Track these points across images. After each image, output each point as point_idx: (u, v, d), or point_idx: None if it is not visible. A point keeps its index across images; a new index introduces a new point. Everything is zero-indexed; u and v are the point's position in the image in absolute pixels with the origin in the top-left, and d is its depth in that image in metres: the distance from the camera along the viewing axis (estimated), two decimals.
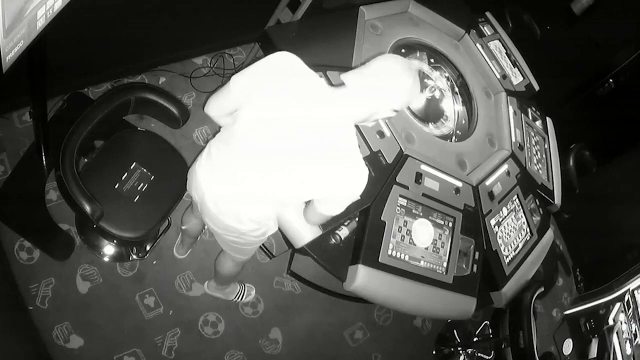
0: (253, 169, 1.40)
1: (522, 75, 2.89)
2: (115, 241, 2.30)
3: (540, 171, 2.56)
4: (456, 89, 2.54)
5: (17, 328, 2.05)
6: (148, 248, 2.39)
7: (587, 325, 3.10)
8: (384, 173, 1.90)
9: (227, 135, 1.48)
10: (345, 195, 1.39)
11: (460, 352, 2.91)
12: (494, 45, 2.87)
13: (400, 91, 1.33)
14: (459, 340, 2.97)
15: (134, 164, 2.02)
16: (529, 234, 2.30)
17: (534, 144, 2.62)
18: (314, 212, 1.49)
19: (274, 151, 1.35)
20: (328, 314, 2.72)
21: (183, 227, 2.24)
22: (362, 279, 1.69)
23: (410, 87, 1.33)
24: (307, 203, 1.56)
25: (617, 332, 2.82)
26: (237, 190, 1.47)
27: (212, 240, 2.58)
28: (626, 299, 2.93)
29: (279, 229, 1.74)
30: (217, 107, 1.49)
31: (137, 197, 1.98)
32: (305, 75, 1.37)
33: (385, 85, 1.32)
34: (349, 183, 1.35)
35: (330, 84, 1.97)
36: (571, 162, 2.87)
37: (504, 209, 2.24)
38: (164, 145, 2.17)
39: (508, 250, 2.17)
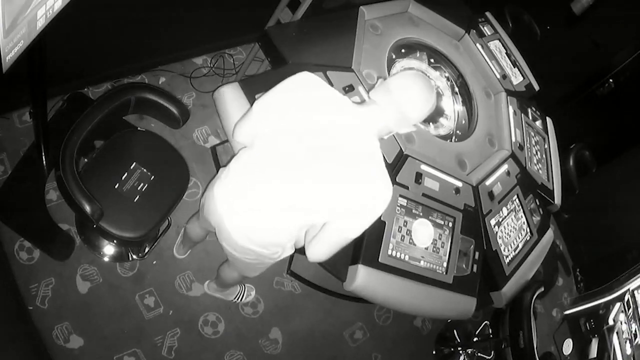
0: (276, 190, 1.38)
1: (522, 75, 2.89)
2: (115, 241, 2.30)
3: (540, 171, 2.56)
4: (456, 89, 2.55)
5: (17, 328, 2.05)
6: (148, 248, 2.39)
7: (587, 325, 3.10)
8: None
9: (247, 158, 1.46)
10: (367, 213, 1.34)
11: (460, 352, 2.91)
12: (494, 45, 2.87)
13: (420, 107, 1.37)
14: (459, 340, 2.97)
15: (134, 164, 2.02)
16: (529, 234, 2.30)
17: (534, 144, 2.62)
18: (331, 236, 1.40)
19: (297, 168, 1.34)
20: (328, 314, 2.72)
21: (187, 234, 2.23)
22: (362, 279, 1.69)
23: (429, 104, 1.38)
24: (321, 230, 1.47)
25: (617, 332, 2.83)
26: (260, 216, 1.44)
27: (212, 241, 2.58)
28: (626, 299, 2.93)
29: None
30: (245, 133, 1.48)
31: (137, 197, 1.98)
32: (326, 90, 1.39)
33: (405, 101, 1.35)
34: (370, 200, 1.32)
35: (331, 83, 1.97)
36: (571, 162, 2.87)
37: (504, 209, 2.24)
38: (164, 145, 2.17)
39: (508, 250, 2.17)
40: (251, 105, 1.77)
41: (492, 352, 2.90)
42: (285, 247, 1.56)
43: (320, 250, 1.43)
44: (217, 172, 2.41)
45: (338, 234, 1.38)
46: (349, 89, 2.00)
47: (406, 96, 1.35)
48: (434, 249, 1.89)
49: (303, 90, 1.38)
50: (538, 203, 2.42)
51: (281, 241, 1.52)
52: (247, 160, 1.46)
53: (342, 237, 1.40)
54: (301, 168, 1.33)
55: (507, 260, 2.14)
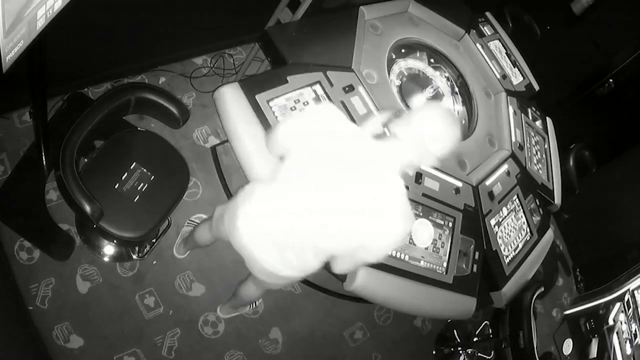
0: (301, 217, 1.41)
1: (522, 75, 2.89)
2: (115, 241, 2.29)
3: (540, 171, 2.57)
4: (456, 89, 2.55)
5: (17, 329, 2.05)
6: (148, 248, 2.39)
7: (587, 325, 3.10)
8: None
9: (271, 191, 1.48)
10: (382, 245, 1.41)
11: (460, 352, 2.91)
12: (494, 45, 2.87)
13: (443, 142, 1.38)
14: (459, 340, 2.97)
15: (134, 164, 2.02)
16: (529, 234, 2.30)
17: (534, 144, 2.62)
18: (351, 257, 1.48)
19: (320, 198, 1.37)
20: (328, 314, 2.72)
21: (193, 237, 2.21)
22: (362, 279, 1.69)
23: (453, 138, 1.40)
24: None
25: (617, 332, 2.83)
26: (289, 242, 1.48)
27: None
28: (626, 299, 2.93)
29: None
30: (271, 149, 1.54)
31: (137, 197, 1.98)
32: (349, 126, 1.41)
33: (428, 136, 1.36)
34: (385, 233, 1.37)
35: (331, 83, 1.97)
36: (571, 162, 2.87)
37: (504, 209, 2.24)
38: (164, 145, 2.17)
39: (508, 250, 2.17)
40: (251, 105, 1.79)
41: (492, 352, 2.90)
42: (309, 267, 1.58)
43: (345, 267, 1.55)
44: (220, 175, 2.38)
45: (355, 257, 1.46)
46: (349, 89, 2.00)
47: (429, 131, 1.36)
48: (434, 249, 1.89)
49: (327, 124, 1.40)
50: (538, 203, 2.42)
51: (306, 263, 1.54)
52: (271, 193, 1.48)
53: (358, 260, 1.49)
54: (324, 200, 1.37)
55: (507, 260, 2.14)
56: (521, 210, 2.31)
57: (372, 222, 1.35)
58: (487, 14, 3.05)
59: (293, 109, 1.86)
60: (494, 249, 2.10)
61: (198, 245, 2.29)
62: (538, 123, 2.77)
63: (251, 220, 1.51)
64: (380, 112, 1.55)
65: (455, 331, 2.99)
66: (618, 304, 2.96)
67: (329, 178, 1.37)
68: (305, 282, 2.45)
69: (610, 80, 3.41)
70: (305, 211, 1.40)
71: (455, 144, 1.41)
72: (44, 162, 2.24)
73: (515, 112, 2.59)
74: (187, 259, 2.50)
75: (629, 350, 2.78)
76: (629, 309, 2.89)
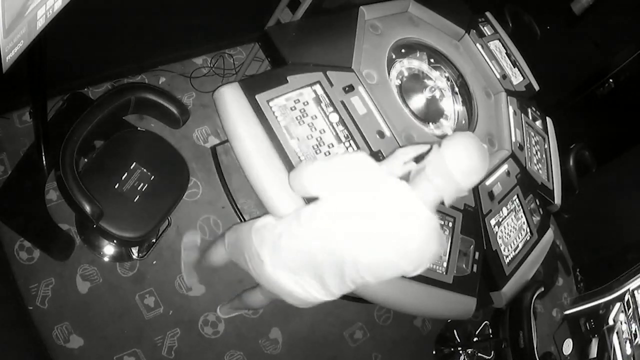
0: (327, 263, 1.42)
1: (522, 75, 2.89)
2: (115, 241, 2.29)
3: (540, 171, 2.56)
4: (456, 89, 2.54)
5: (17, 328, 2.05)
6: (148, 248, 2.39)
7: (587, 325, 3.10)
8: None
9: (299, 241, 1.47)
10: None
11: (460, 352, 2.91)
12: (494, 45, 2.87)
13: (475, 177, 1.35)
14: (459, 340, 2.97)
15: (134, 164, 2.02)
16: (529, 234, 2.30)
17: (534, 144, 2.62)
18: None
19: (346, 245, 1.37)
20: (328, 314, 2.72)
21: (207, 259, 2.16)
22: None
23: (484, 170, 1.36)
24: None
25: (617, 332, 2.83)
26: (318, 279, 1.48)
27: (212, 241, 2.58)
28: (626, 299, 2.93)
29: None
30: (299, 191, 1.53)
31: (137, 197, 1.98)
32: (376, 169, 1.39)
33: (460, 173, 1.33)
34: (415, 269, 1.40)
35: (331, 83, 1.97)
36: (571, 162, 2.87)
37: (504, 209, 2.24)
38: (164, 145, 2.17)
39: (508, 250, 2.17)
40: (251, 105, 1.78)
41: (492, 352, 2.90)
42: None
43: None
44: (220, 175, 2.36)
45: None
46: (349, 89, 2.00)
47: (461, 168, 1.32)
48: None
49: (359, 172, 1.38)
50: (538, 203, 2.42)
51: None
52: (299, 243, 1.46)
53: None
54: (354, 248, 1.36)
55: (507, 260, 2.14)
56: (521, 210, 2.31)
57: (404, 260, 1.37)
58: (487, 14, 3.05)
59: (293, 108, 1.86)
60: (494, 249, 2.10)
61: (211, 266, 2.26)
62: (538, 123, 2.77)
63: (282, 264, 1.50)
64: (406, 146, 1.51)
65: (455, 331, 2.99)
66: (618, 304, 2.97)
67: (359, 220, 1.35)
68: None
69: (610, 80, 3.41)
70: (338, 249, 1.38)
71: (485, 171, 1.37)
72: (44, 162, 2.24)
73: (515, 112, 2.59)
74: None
75: (629, 350, 2.78)
76: (629, 309, 2.89)
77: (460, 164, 1.32)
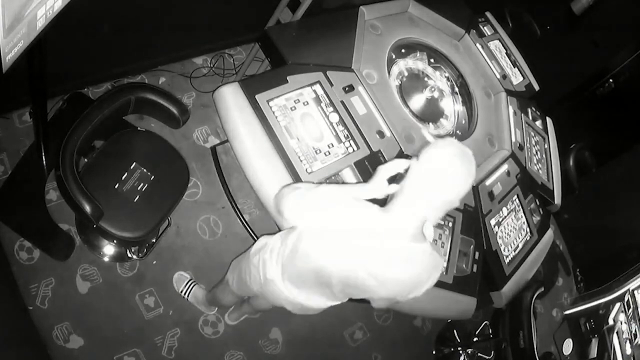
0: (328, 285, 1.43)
1: (522, 75, 2.89)
2: (115, 241, 2.30)
3: (540, 171, 2.56)
4: (456, 89, 2.54)
5: (17, 328, 2.05)
6: (148, 248, 2.39)
7: (587, 325, 3.10)
8: None
9: (299, 267, 1.46)
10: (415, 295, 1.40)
11: (460, 352, 2.91)
12: (494, 45, 2.86)
13: (458, 187, 1.21)
14: (459, 340, 2.97)
15: (134, 164, 2.02)
16: (529, 234, 2.30)
17: (534, 144, 2.62)
18: None
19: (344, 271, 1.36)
20: (328, 314, 2.70)
21: (220, 301, 2.18)
22: None
23: (468, 179, 1.22)
24: None
25: (617, 332, 2.82)
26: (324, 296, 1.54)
27: (212, 240, 2.59)
28: (626, 299, 2.93)
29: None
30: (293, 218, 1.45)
31: (137, 197, 1.98)
32: (358, 205, 1.32)
33: (440, 188, 1.20)
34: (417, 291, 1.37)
35: (331, 83, 1.97)
36: (571, 162, 2.87)
37: (504, 209, 2.24)
38: (164, 145, 2.17)
39: (508, 250, 2.17)
40: (251, 105, 1.78)
41: (492, 352, 2.90)
42: None
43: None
44: (220, 175, 2.36)
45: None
46: (349, 89, 2.00)
47: (442, 185, 1.19)
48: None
49: (343, 209, 1.31)
50: (538, 203, 2.42)
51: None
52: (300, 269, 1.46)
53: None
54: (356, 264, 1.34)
55: (507, 260, 2.14)
56: (521, 210, 2.31)
57: (404, 285, 1.35)
58: (487, 14, 3.04)
59: (293, 108, 1.86)
60: (494, 249, 2.10)
61: (225, 306, 2.30)
62: (538, 123, 2.77)
63: (285, 276, 1.51)
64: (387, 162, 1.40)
65: (455, 331, 2.99)
66: (618, 304, 2.96)
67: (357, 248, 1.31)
68: None
69: (610, 80, 3.40)
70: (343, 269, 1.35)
71: (472, 181, 1.25)
72: (44, 162, 2.24)
73: (515, 112, 2.59)
74: (187, 258, 2.50)
75: (629, 350, 2.78)
76: (629, 309, 2.89)
77: (442, 180, 1.19)
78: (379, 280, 1.32)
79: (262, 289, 1.62)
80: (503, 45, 2.93)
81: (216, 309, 2.43)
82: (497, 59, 2.77)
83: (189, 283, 2.40)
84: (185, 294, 2.39)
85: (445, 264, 1.32)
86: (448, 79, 2.54)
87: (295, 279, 1.50)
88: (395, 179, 1.31)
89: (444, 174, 1.19)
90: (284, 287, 1.53)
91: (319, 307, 1.62)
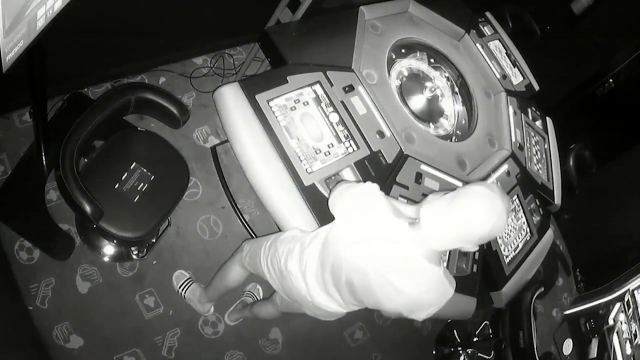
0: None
1: (522, 75, 2.89)
2: (115, 241, 2.30)
3: (540, 171, 2.56)
4: (456, 89, 2.54)
5: (17, 328, 2.05)
6: (148, 248, 2.39)
7: (587, 325, 3.10)
8: (384, 173, 1.90)
9: (319, 273, 1.51)
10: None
11: (460, 352, 2.91)
12: (494, 45, 2.86)
13: (484, 233, 1.20)
14: (459, 340, 2.97)
15: (134, 164, 2.02)
16: (529, 234, 2.30)
17: (534, 144, 2.62)
18: None
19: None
20: None
21: (225, 283, 2.15)
22: None
23: (496, 228, 1.20)
24: None
25: (617, 332, 2.83)
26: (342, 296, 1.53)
27: (212, 240, 2.59)
28: (626, 299, 2.93)
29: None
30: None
31: (137, 197, 1.98)
32: (391, 210, 1.36)
33: (466, 229, 1.21)
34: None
35: (331, 83, 1.97)
36: (571, 162, 2.86)
37: None
38: (164, 145, 2.17)
39: (508, 250, 2.17)
40: (251, 105, 1.78)
41: (492, 352, 2.90)
42: None
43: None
44: (220, 175, 2.36)
45: None
46: (349, 89, 2.00)
47: (471, 238, 1.21)
48: None
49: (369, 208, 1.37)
50: (538, 203, 2.42)
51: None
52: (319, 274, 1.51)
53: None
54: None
55: (507, 260, 2.14)
56: (521, 210, 2.31)
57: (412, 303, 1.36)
58: (487, 14, 3.04)
59: (293, 108, 1.86)
60: (494, 249, 2.10)
61: (229, 288, 2.24)
62: (538, 123, 2.77)
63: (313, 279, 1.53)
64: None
65: (455, 331, 2.99)
66: (618, 304, 2.96)
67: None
68: None
69: (610, 80, 3.40)
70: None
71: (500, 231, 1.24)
72: (44, 162, 2.25)
73: (515, 112, 2.59)
74: (186, 258, 2.50)
75: (629, 350, 2.78)
76: (629, 309, 2.89)
77: (471, 234, 1.20)
78: (386, 288, 1.33)
79: (280, 280, 1.63)
80: (503, 45, 2.93)
81: (212, 308, 2.40)
82: (497, 59, 2.76)
83: (187, 280, 2.40)
84: (183, 290, 2.37)
85: (452, 292, 1.36)
86: (448, 79, 2.54)
87: (320, 278, 1.51)
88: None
89: (475, 231, 1.20)
90: (305, 284, 1.55)
91: (337, 312, 1.64)
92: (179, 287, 2.39)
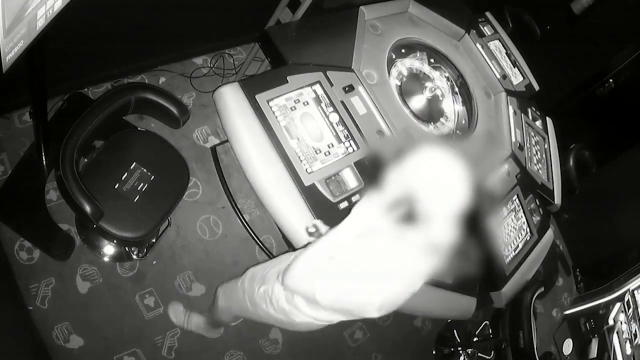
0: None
1: (522, 75, 2.89)
2: (115, 241, 2.30)
3: (540, 171, 2.56)
4: (456, 89, 2.54)
5: (17, 328, 2.05)
6: (148, 248, 2.39)
7: (587, 325, 3.10)
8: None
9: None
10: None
11: (460, 352, 2.91)
12: (494, 45, 2.86)
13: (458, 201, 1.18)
14: (459, 340, 2.97)
15: (134, 164, 2.02)
16: (529, 234, 2.30)
17: (534, 144, 2.62)
18: None
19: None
20: None
21: (219, 319, 2.13)
22: None
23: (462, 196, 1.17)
24: None
25: (617, 332, 2.83)
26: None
27: (212, 240, 2.59)
28: (626, 299, 2.93)
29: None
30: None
31: (137, 197, 1.98)
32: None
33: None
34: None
35: (331, 83, 1.97)
36: (571, 162, 2.87)
37: (504, 209, 2.24)
38: (164, 145, 2.17)
39: (508, 250, 2.17)
40: (251, 105, 1.78)
41: (492, 352, 2.90)
42: None
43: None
44: (220, 175, 2.35)
45: None
46: (349, 89, 2.00)
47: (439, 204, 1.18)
48: None
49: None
50: (538, 203, 2.42)
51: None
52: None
53: None
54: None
55: (507, 260, 2.14)
56: (521, 210, 2.31)
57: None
58: (487, 14, 3.04)
59: (293, 108, 1.86)
60: (494, 249, 2.10)
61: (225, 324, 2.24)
62: (538, 123, 2.77)
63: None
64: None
65: (455, 331, 2.99)
66: (618, 304, 2.96)
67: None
68: None
69: (610, 80, 3.41)
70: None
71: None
72: (44, 162, 2.25)
73: (515, 112, 2.59)
74: (187, 258, 2.50)
75: (629, 350, 2.78)
76: (629, 309, 2.89)
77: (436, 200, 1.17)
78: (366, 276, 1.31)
79: (285, 317, 1.57)
80: (503, 45, 2.93)
81: (222, 330, 2.38)
82: (497, 59, 2.77)
83: (185, 313, 2.34)
84: (186, 324, 2.33)
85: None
86: (448, 79, 2.54)
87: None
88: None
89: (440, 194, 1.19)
90: (305, 309, 1.50)
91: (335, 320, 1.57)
92: (182, 322, 2.33)
